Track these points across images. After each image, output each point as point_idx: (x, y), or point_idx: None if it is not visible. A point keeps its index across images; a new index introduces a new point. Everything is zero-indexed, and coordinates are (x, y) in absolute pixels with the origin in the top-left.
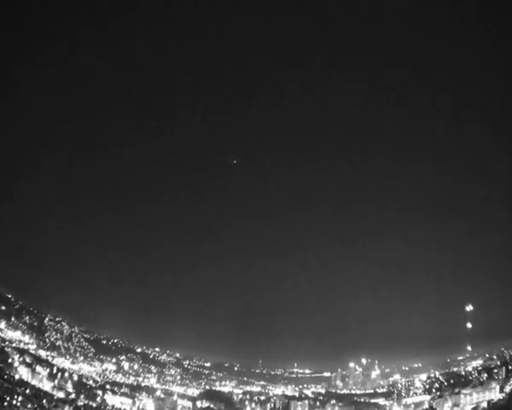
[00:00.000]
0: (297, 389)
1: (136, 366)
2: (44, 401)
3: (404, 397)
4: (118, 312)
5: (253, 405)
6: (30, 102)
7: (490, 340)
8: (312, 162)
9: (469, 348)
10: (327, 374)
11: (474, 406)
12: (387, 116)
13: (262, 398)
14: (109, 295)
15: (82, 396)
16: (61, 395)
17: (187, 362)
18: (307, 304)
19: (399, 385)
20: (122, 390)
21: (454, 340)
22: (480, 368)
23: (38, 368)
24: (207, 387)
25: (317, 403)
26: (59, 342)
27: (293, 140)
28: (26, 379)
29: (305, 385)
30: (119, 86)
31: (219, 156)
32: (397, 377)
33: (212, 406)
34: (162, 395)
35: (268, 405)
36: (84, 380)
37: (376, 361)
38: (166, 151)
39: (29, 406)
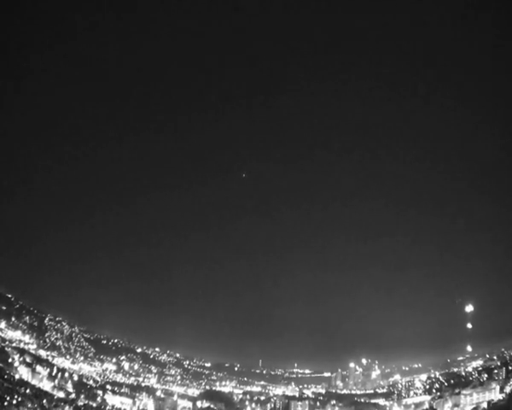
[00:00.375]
0: (297, 389)
1: (136, 366)
2: (44, 400)
3: (405, 397)
4: (118, 312)
5: (254, 405)
6: (27, 100)
7: (490, 340)
8: (313, 160)
9: (469, 348)
10: (327, 374)
11: (474, 406)
12: (390, 114)
13: (262, 398)
14: (109, 295)
15: (82, 396)
16: (62, 394)
17: (187, 362)
18: (307, 304)
19: (399, 385)
20: (122, 390)
21: (454, 340)
22: (480, 369)
23: (39, 368)
24: (207, 387)
25: (318, 403)
26: (59, 342)
27: (293, 138)
28: (26, 379)
29: (306, 385)
30: (120, 83)
31: (221, 155)
32: (397, 377)
33: (212, 406)
34: (162, 395)
35: (268, 405)
36: (85, 380)
37: (376, 361)
38: (168, 149)
39: (29, 405)
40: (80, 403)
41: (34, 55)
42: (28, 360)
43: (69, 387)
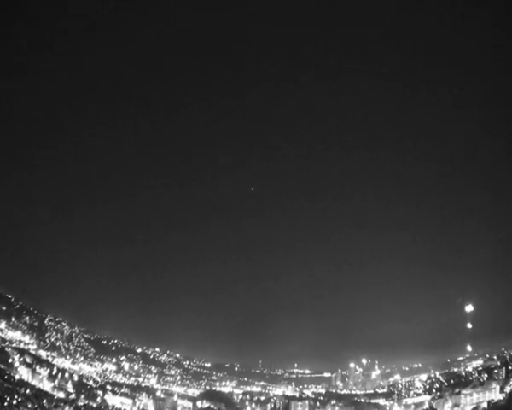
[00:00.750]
0: (297, 389)
1: (136, 367)
2: (45, 401)
3: (405, 397)
4: (118, 312)
5: (254, 405)
6: (17, 93)
7: (490, 340)
8: (311, 156)
9: (469, 348)
10: (327, 374)
11: (474, 406)
12: (392, 112)
13: (262, 398)
14: (109, 295)
15: (82, 396)
16: (62, 395)
17: (187, 362)
18: (308, 304)
19: (400, 385)
20: (122, 391)
21: (454, 340)
22: (480, 368)
23: (39, 368)
24: (208, 387)
25: (318, 403)
26: (59, 343)
27: (293, 136)
28: (26, 379)
29: (306, 385)
30: (116, 76)
31: (222, 153)
32: (397, 377)
33: (212, 406)
34: (162, 396)
35: (268, 405)
36: (85, 380)
37: (377, 361)
38: (168, 146)
39: (29, 406)
40: (80, 403)
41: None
42: (28, 360)
43: (69, 387)
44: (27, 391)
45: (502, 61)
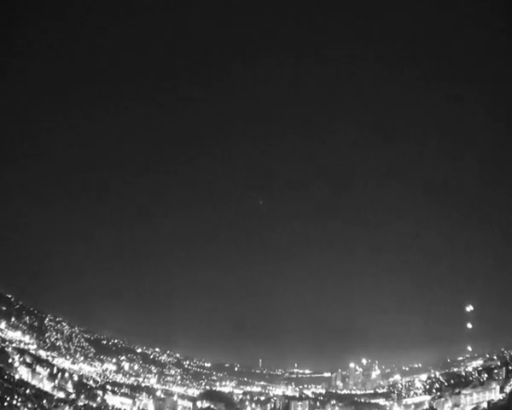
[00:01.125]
0: (297, 389)
1: (136, 367)
2: (45, 401)
3: (405, 397)
4: (118, 312)
5: (254, 405)
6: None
7: (490, 340)
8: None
9: (469, 348)
10: (327, 374)
11: (474, 406)
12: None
13: (262, 398)
14: (109, 294)
15: (82, 396)
16: (62, 395)
17: (187, 362)
18: (308, 304)
19: (399, 385)
20: (122, 391)
21: (454, 340)
22: (480, 368)
23: (39, 368)
24: (208, 387)
25: (318, 403)
26: (59, 343)
27: (294, 129)
28: (26, 379)
29: (306, 385)
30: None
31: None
32: (397, 377)
33: (212, 406)
34: (162, 396)
35: (268, 405)
36: (85, 380)
37: (377, 361)
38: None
39: (29, 406)
40: (80, 403)
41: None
42: (28, 360)
43: (69, 387)
44: (27, 391)
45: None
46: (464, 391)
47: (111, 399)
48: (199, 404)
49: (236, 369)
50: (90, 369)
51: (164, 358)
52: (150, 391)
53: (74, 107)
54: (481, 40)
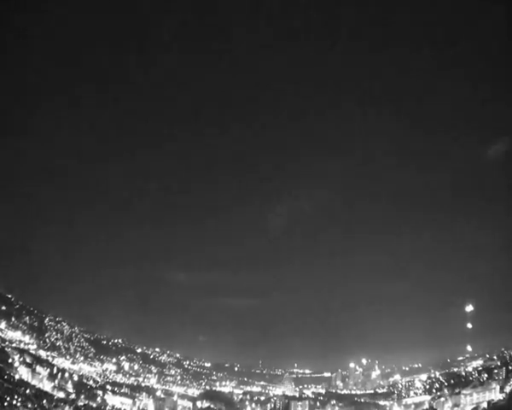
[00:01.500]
0: (297, 389)
1: (136, 367)
2: (44, 401)
3: (405, 397)
4: (118, 311)
5: (254, 405)
6: None
7: (490, 340)
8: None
9: (469, 348)
10: (327, 374)
11: (474, 406)
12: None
13: (262, 398)
14: (109, 294)
15: (82, 396)
16: (62, 395)
17: (187, 362)
18: (308, 304)
19: (399, 385)
20: (122, 390)
21: (454, 340)
22: (480, 368)
23: (39, 368)
24: (207, 387)
25: (318, 403)
26: (59, 343)
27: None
28: (26, 379)
29: (306, 385)
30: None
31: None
32: (397, 377)
33: (212, 406)
34: (162, 396)
35: (268, 405)
36: (85, 380)
37: (377, 361)
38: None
39: (29, 406)
40: (80, 403)
41: None
42: (28, 360)
43: (69, 387)
44: (27, 391)
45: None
46: (464, 391)
47: (111, 399)
48: (199, 404)
49: (236, 369)
50: (90, 369)
51: (164, 358)
52: (150, 391)
53: None
54: None
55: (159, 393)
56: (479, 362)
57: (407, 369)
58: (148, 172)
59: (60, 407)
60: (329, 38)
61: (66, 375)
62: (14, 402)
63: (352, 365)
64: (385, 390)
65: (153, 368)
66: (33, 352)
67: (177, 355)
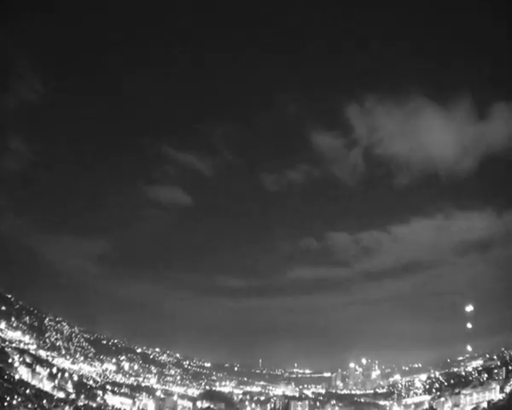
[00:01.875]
0: (297, 389)
1: (136, 367)
2: (44, 401)
3: (405, 397)
4: (118, 312)
5: (253, 405)
6: None
7: (490, 340)
8: None
9: (469, 348)
10: (327, 374)
11: (474, 406)
12: None
13: (262, 398)
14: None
15: (82, 396)
16: (62, 395)
17: (187, 362)
18: (308, 304)
19: (399, 385)
20: (122, 390)
21: (454, 340)
22: (480, 368)
23: (39, 368)
24: (207, 387)
25: (318, 403)
26: (59, 343)
27: None
28: (26, 379)
29: (306, 385)
30: None
31: None
32: (397, 377)
33: (212, 406)
34: (162, 396)
35: (268, 405)
36: (85, 380)
37: (376, 361)
38: None
39: (29, 406)
40: (80, 403)
41: None
42: (28, 360)
43: (69, 387)
44: (27, 391)
45: None
46: (464, 391)
47: (111, 399)
48: (199, 404)
49: (236, 369)
50: (90, 369)
51: (164, 358)
52: (150, 391)
53: None
54: None
55: (159, 393)
56: (479, 362)
57: (407, 369)
58: None
59: (60, 407)
60: None
61: (66, 375)
62: (14, 402)
63: (352, 365)
64: (385, 390)
65: (153, 368)
66: (33, 352)
67: (177, 355)
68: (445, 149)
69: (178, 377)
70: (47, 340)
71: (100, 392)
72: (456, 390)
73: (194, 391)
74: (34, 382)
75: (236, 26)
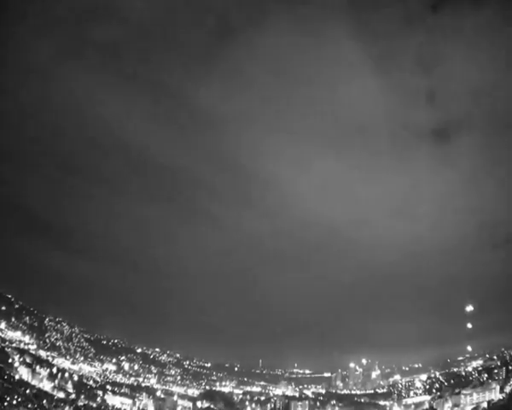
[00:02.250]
0: (297, 389)
1: (136, 367)
2: (44, 401)
3: (405, 397)
4: (118, 312)
5: (254, 405)
6: None
7: (490, 340)
8: None
9: (469, 348)
10: (327, 374)
11: (474, 406)
12: None
13: (262, 398)
14: (110, 294)
15: (82, 397)
16: (62, 395)
17: (187, 362)
18: (308, 304)
19: (399, 385)
20: (122, 391)
21: (454, 340)
22: (480, 368)
23: (38, 368)
24: (208, 387)
25: (318, 403)
26: (59, 343)
27: None
28: (26, 379)
29: (306, 385)
30: None
31: None
32: (397, 377)
33: (212, 406)
34: (162, 396)
35: (268, 405)
36: (85, 380)
37: (377, 361)
38: None
39: (29, 406)
40: (80, 403)
41: None
42: (28, 360)
43: (69, 387)
44: (27, 391)
45: None
46: (464, 391)
47: (111, 399)
48: (199, 404)
49: (236, 369)
50: (90, 369)
51: (164, 358)
52: (150, 391)
53: None
54: None
55: (159, 393)
56: (479, 362)
57: (407, 369)
58: None
59: (60, 407)
60: None
61: (66, 375)
62: (14, 402)
63: (352, 365)
64: (385, 390)
65: (153, 368)
66: (33, 352)
67: (177, 355)
68: None
69: (178, 378)
70: (47, 340)
71: (100, 392)
72: (457, 390)
73: (194, 391)
74: (34, 382)
75: None
